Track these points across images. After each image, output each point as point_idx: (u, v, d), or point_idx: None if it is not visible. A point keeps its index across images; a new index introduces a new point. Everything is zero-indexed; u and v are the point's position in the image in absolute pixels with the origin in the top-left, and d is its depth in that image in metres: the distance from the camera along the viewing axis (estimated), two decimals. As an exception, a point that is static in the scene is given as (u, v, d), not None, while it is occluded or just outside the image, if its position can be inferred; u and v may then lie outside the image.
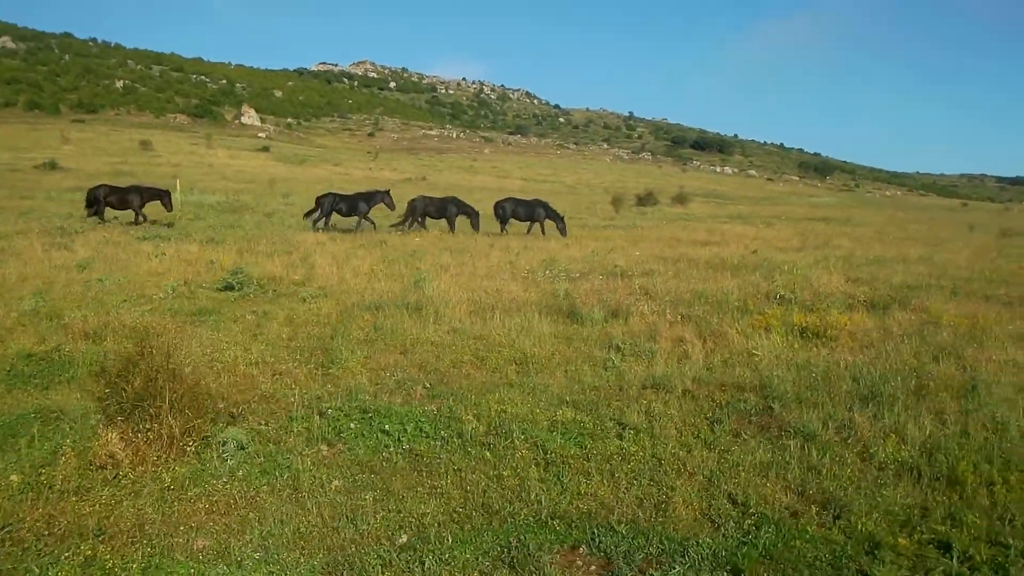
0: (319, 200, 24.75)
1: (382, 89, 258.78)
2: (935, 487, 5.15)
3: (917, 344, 9.17)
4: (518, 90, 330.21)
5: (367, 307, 11.20)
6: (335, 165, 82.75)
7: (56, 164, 50.83)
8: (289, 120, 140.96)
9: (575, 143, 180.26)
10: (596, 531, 4.57)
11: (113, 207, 23.39)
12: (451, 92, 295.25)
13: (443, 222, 26.23)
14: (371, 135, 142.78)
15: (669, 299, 12.75)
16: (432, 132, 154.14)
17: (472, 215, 25.37)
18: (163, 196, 23.94)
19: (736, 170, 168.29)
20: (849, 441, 5.95)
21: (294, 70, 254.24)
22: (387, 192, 25.97)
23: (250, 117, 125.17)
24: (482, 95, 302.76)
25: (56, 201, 31.26)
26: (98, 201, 22.96)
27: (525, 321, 10.64)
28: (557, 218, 26.13)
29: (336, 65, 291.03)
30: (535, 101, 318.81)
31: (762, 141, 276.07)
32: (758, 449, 5.79)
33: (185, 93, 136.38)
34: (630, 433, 6.06)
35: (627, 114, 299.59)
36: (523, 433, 5.95)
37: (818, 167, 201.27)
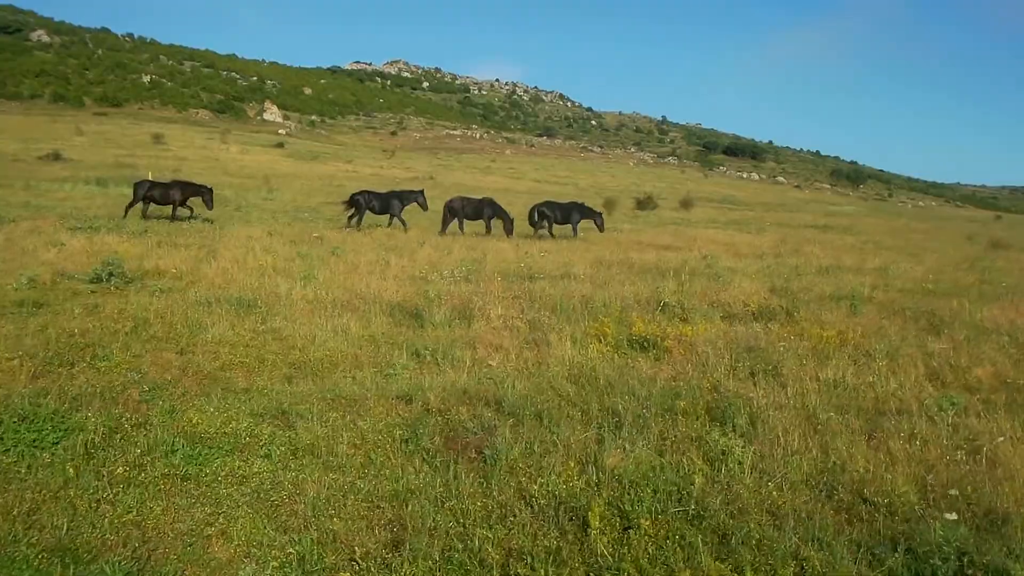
0: (353, 197, 25.02)
1: (415, 89, 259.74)
2: (562, 530, 4.34)
3: (746, 358, 8.34)
4: (551, 92, 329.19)
5: (202, 302, 10.68)
6: (347, 163, 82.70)
7: (60, 155, 51.41)
8: (313, 117, 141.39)
9: (600, 146, 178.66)
10: (74, 571, 3.89)
11: (155, 202, 23.79)
12: (484, 93, 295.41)
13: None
14: (394, 134, 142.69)
15: (546, 303, 12.04)
16: (455, 132, 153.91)
17: (506, 219, 25.20)
18: (204, 193, 24.06)
19: (764, 176, 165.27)
20: (531, 469, 5.16)
21: (327, 68, 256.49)
22: (421, 192, 26.27)
23: (272, 113, 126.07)
24: (515, 96, 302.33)
25: (31, 190, 31.36)
26: (142, 196, 23.37)
27: (358, 321, 10.05)
28: (595, 215, 26.81)
29: (370, 64, 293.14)
30: (568, 104, 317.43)
31: (797, 148, 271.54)
32: (416, 475, 5.04)
33: (211, 89, 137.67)
34: (282, 452, 5.36)
35: (660, 118, 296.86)
36: (154, 446, 5.29)
37: (850, 175, 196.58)
